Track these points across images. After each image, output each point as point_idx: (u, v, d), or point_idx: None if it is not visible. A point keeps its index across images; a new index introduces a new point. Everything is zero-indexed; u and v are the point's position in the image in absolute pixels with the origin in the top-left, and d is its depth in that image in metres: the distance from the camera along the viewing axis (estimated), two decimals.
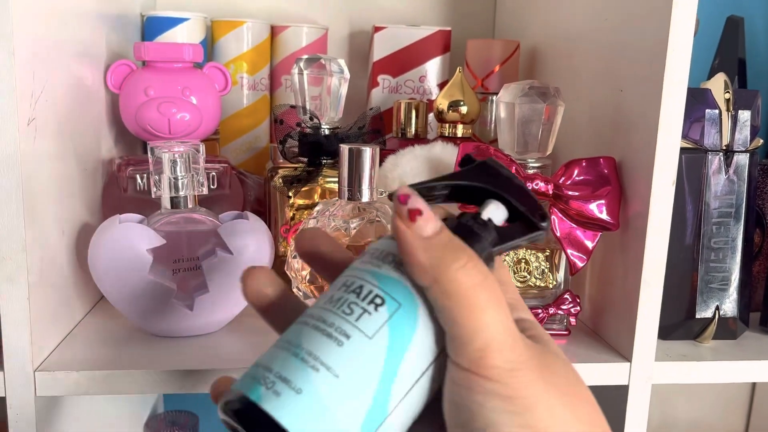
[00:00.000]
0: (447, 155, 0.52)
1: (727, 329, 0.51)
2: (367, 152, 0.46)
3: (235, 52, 0.70)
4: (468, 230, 0.28)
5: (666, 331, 0.50)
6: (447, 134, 0.62)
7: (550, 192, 0.48)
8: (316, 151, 0.55)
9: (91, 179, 0.53)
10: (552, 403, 0.25)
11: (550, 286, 0.51)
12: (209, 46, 0.72)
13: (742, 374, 0.49)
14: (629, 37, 0.48)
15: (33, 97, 0.41)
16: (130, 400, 0.72)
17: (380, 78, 0.73)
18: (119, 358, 0.45)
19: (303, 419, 0.24)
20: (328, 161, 0.55)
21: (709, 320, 0.50)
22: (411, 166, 0.52)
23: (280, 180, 0.56)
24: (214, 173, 0.50)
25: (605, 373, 0.47)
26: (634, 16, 0.47)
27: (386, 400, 0.25)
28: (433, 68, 0.72)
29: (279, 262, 0.54)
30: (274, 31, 0.72)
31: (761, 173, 0.59)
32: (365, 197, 0.47)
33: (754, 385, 0.87)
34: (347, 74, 0.56)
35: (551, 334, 0.50)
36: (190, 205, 0.47)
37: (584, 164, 0.48)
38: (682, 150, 0.47)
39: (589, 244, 0.48)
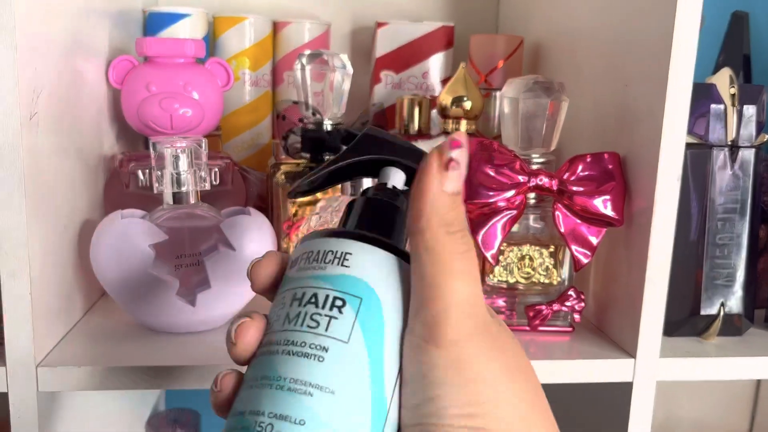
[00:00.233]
0: None
1: (732, 326, 0.51)
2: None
3: (237, 48, 0.70)
4: (382, 203, 0.28)
5: (670, 328, 0.50)
6: (450, 130, 0.61)
7: (555, 188, 0.48)
8: (319, 147, 0.55)
9: (93, 175, 0.53)
10: (497, 378, 0.25)
11: (555, 282, 0.51)
12: (211, 41, 0.72)
13: (747, 371, 0.49)
14: (634, 32, 0.47)
15: (35, 92, 0.41)
16: (131, 397, 0.72)
17: (383, 74, 0.72)
18: (121, 354, 0.45)
19: None
20: (331, 158, 0.55)
21: (714, 317, 0.50)
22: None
23: (283, 176, 0.55)
24: (216, 169, 0.50)
25: (609, 370, 0.47)
26: (638, 10, 0.47)
27: (382, 393, 0.25)
28: (436, 64, 0.72)
29: None
30: (276, 27, 0.72)
31: (767, 169, 0.59)
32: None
33: (758, 382, 0.87)
34: (350, 70, 0.56)
35: (555, 331, 0.50)
36: (192, 201, 0.47)
37: (589, 160, 0.48)
38: (687, 145, 0.47)
39: (594, 240, 0.48)
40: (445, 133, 0.61)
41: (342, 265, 0.26)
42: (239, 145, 0.71)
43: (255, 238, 0.46)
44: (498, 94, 0.65)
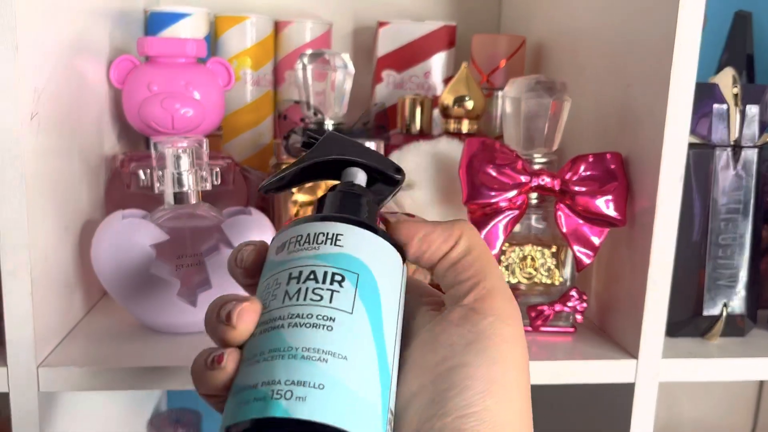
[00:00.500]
0: (452, 151, 0.52)
1: (734, 326, 0.51)
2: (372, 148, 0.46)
3: (239, 48, 0.70)
4: (354, 194, 0.31)
5: (673, 329, 0.50)
6: (452, 130, 0.61)
7: (557, 188, 0.47)
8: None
9: (94, 175, 0.53)
10: (518, 363, 0.27)
11: (557, 282, 0.50)
12: (212, 41, 0.71)
13: (750, 372, 0.49)
14: (636, 31, 0.47)
15: (36, 92, 0.41)
16: (133, 397, 0.72)
17: (385, 73, 0.72)
18: (122, 354, 0.45)
19: (338, 411, 0.24)
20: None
21: (717, 317, 0.50)
22: (416, 162, 0.52)
23: None
24: (217, 169, 0.50)
25: (612, 370, 0.47)
26: (641, 10, 0.47)
27: (386, 361, 0.26)
28: (437, 64, 0.72)
29: None
30: (277, 27, 0.72)
31: None
32: None
33: (761, 383, 0.87)
34: (351, 69, 0.56)
35: (557, 331, 0.50)
36: (193, 201, 0.47)
37: (591, 160, 0.48)
38: (690, 145, 0.47)
39: (596, 241, 0.48)
40: (447, 133, 0.61)
41: (335, 244, 0.27)
42: (240, 145, 0.71)
43: (256, 238, 0.46)
44: (500, 93, 0.65)
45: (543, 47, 0.65)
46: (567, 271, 0.50)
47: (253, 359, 0.25)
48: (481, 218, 0.47)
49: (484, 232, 0.47)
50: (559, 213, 0.48)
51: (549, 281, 0.50)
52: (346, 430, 0.23)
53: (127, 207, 0.48)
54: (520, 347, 0.28)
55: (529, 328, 0.50)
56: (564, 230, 0.48)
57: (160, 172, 0.47)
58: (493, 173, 0.47)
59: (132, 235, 0.45)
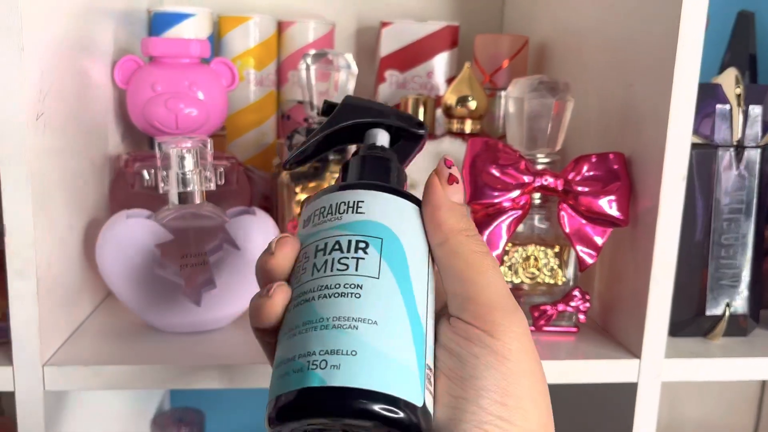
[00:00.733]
0: (455, 151, 0.52)
1: (737, 326, 0.51)
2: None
3: (242, 48, 0.70)
4: (376, 157, 0.31)
5: (676, 328, 0.50)
6: (455, 130, 0.61)
7: (560, 188, 0.47)
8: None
9: (99, 175, 0.53)
10: (530, 377, 0.27)
11: (560, 282, 0.51)
12: (216, 41, 0.72)
13: (752, 372, 0.49)
14: (639, 31, 0.47)
15: (41, 92, 0.41)
16: (136, 396, 0.72)
17: (387, 73, 0.72)
18: (127, 354, 0.45)
19: (372, 374, 0.24)
20: (336, 157, 0.55)
21: (720, 317, 0.50)
22: (418, 162, 0.52)
23: (288, 176, 0.56)
24: (221, 169, 0.50)
25: (614, 370, 0.47)
26: (643, 10, 0.47)
27: (418, 320, 0.27)
28: (440, 64, 0.72)
29: None
30: (280, 27, 0.72)
31: None
32: None
33: (764, 383, 0.86)
34: (355, 69, 0.56)
35: (560, 331, 0.50)
36: (197, 201, 0.47)
37: (594, 160, 0.48)
38: (693, 145, 0.47)
39: (599, 241, 0.48)
40: (450, 133, 0.61)
41: (357, 212, 0.28)
42: (244, 145, 0.71)
43: (260, 237, 0.47)
44: (503, 93, 0.65)
45: (546, 47, 0.65)
46: (570, 271, 0.50)
47: (290, 333, 0.26)
48: (484, 218, 0.47)
49: (487, 232, 0.47)
50: (562, 213, 0.48)
51: (552, 281, 0.51)
52: (382, 392, 0.24)
53: (132, 207, 0.48)
54: (530, 359, 0.27)
55: (532, 328, 0.50)
56: (567, 230, 0.48)
57: (165, 172, 0.47)
58: (496, 173, 0.47)
59: (136, 235, 0.45)
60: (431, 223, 0.29)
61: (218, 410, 0.84)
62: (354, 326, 0.25)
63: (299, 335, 0.26)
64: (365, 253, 0.27)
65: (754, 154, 0.49)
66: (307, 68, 0.55)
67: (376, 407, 0.24)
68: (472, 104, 0.60)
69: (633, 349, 0.47)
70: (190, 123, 0.56)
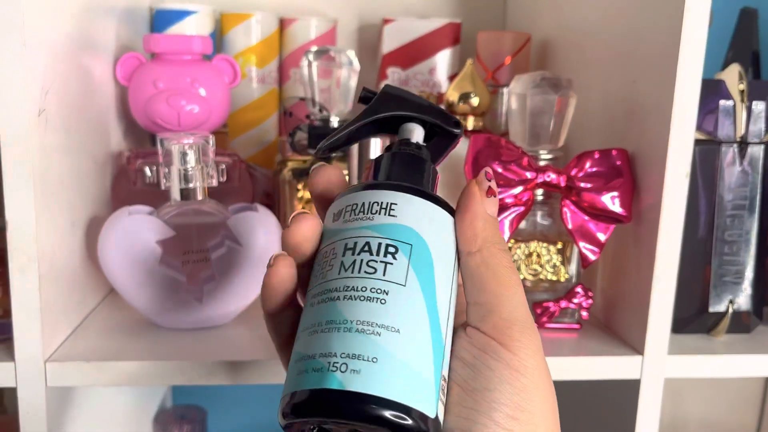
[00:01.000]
0: (458, 148, 0.52)
1: (740, 323, 0.50)
2: (377, 144, 0.46)
3: (244, 45, 0.70)
4: (411, 156, 0.30)
5: (679, 325, 0.50)
6: None
7: (562, 184, 0.47)
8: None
9: (101, 172, 0.53)
10: (542, 392, 0.27)
11: (562, 279, 0.50)
12: (218, 38, 0.72)
13: (755, 368, 0.49)
14: (642, 27, 0.47)
15: (43, 89, 0.41)
16: (139, 394, 0.72)
17: (389, 70, 0.72)
18: (129, 350, 0.45)
19: (391, 384, 0.25)
20: (338, 154, 0.55)
21: (723, 314, 0.50)
22: None
23: (290, 173, 0.56)
24: (223, 166, 0.50)
25: (617, 366, 0.47)
26: (647, 6, 0.47)
27: (439, 330, 0.27)
28: (442, 60, 0.72)
29: None
30: (282, 24, 0.72)
31: None
32: None
33: (767, 380, 0.86)
34: (357, 66, 0.56)
35: (563, 328, 0.50)
36: (199, 197, 0.47)
37: (597, 156, 0.48)
38: (696, 142, 0.47)
39: (602, 237, 0.48)
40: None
41: (389, 214, 0.28)
42: (246, 142, 0.71)
43: (262, 234, 0.46)
44: (505, 90, 0.65)
45: (548, 44, 0.65)
46: (572, 267, 0.50)
47: (312, 329, 0.27)
48: None
49: None
50: (565, 209, 0.48)
51: (554, 278, 0.50)
52: (398, 401, 0.24)
53: (134, 203, 0.48)
54: (544, 376, 0.28)
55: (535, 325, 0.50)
56: (569, 227, 0.48)
57: (167, 169, 0.47)
58: (499, 170, 0.47)
59: (138, 232, 0.45)
60: (467, 232, 0.29)
61: (220, 408, 0.84)
62: (377, 332, 0.25)
63: (322, 333, 0.26)
64: (394, 258, 0.27)
65: (757, 151, 0.49)
66: (309, 65, 0.55)
67: (390, 415, 0.24)
68: (475, 101, 0.60)
69: (636, 346, 0.47)
70: (192, 120, 0.55)
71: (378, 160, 0.31)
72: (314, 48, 0.55)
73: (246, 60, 0.70)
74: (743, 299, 0.50)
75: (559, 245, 0.50)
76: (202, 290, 0.47)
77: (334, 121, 0.55)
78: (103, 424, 0.58)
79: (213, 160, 0.48)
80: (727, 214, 0.49)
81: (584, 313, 0.50)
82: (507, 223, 0.47)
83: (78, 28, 0.48)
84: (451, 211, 0.29)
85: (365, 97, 0.32)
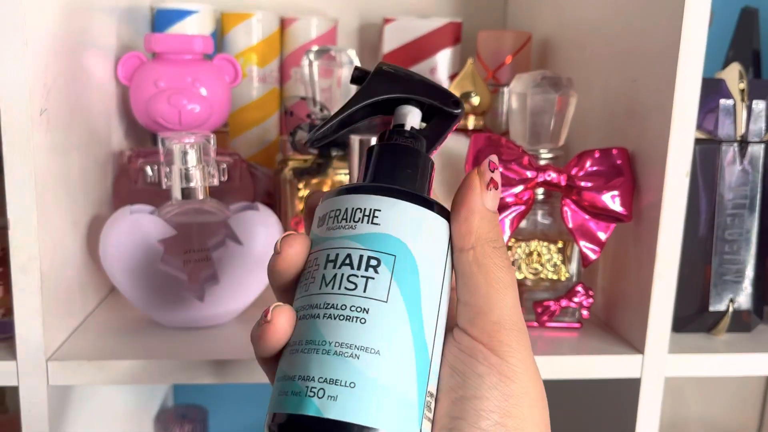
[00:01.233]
0: (458, 147, 0.52)
1: (741, 322, 0.50)
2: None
3: (245, 45, 0.70)
4: (402, 148, 0.28)
5: (679, 324, 0.50)
6: (458, 126, 0.61)
7: (563, 183, 0.47)
8: (327, 142, 0.55)
9: (102, 171, 0.53)
10: (532, 398, 0.26)
11: (563, 278, 0.50)
12: (219, 38, 0.72)
13: (756, 367, 0.49)
14: (643, 26, 0.47)
15: (45, 88, 0.41)
16: (140, 393, 0.72)
17: None
18: (130, 349, 0.45)
19: (369, 410, 0.24)
20: (339, 153, 0.55)
21: (723, 313, 0.50)
22: None
23: (291, 172, 0.56)
24: (224, 165, 0.51)
25: (618, 365, 0.47)
26: (647, 5, 0.47)
27: (425, 347, 0.25)
28: (443, 60, 0.72)
29: None
30: (283, 23, 0.72)
31: None
32: None
33: (767, 379, 0.86)
34: (357, 65, 0.56)
35: (563, 327, 0.50)
36: (200, 196, 0.47)
37: (597, 155, 0.48)
38: (696, 141, 0.47)
39: (602, 236, 0.48)
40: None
41: (372, 223, 0.26)
42: (247, 142, 0.71)
43: (263, 233, 0.47)
44: (506, 89, 0.65)
45: (549, 43, 0.65)
46: (573, 266, 0.50)
47: (293, 347, 0.26)
48: None
49: None
50: (565, 208, 0.48)
51: (555, 277, 0.51)
52: (375, 428, 0.24)
53: (135, 202, 0.48)
54: (534, 381, 0.27)
55: (535, 324, 0.50)
56: (570, 226, 0.48)
57: (168, 168, 0.47)
58: (500, 169, 0.47)
59: (140, 231, 0.45)
60: (461, 227, 0.27)
61: (221, 407, 0.84)
62: (355, 355, 0.24)
63: (302, 354, 0.25)
64: (376, 272, 0.25)
65: (757, 150, 0.49)
66: (310, 64, 0.55)
67: None
68: (475, 100, 0.60)
69: (636, 345, 0.47)
70: (193, 119, 0.56)
71: (368, 153, 0.29)
72: (315, 47, 0.56)
73: (247, 59, 0.70)
74: (744, 298, 0.50)
75: (560, 244, 0.50)
76: (203, 289, 0.47)
77: None
78: (104, 423, 0.58)
79: (214, 159, 0.48)
80: (728, 213, 0.49)
81: (585, 312, 0.50)
82: (507, 222, 0.47)
83: (79, 28, 0.48)
84: (444, 213, 0.27)
85: (358, 77, 0.30)
